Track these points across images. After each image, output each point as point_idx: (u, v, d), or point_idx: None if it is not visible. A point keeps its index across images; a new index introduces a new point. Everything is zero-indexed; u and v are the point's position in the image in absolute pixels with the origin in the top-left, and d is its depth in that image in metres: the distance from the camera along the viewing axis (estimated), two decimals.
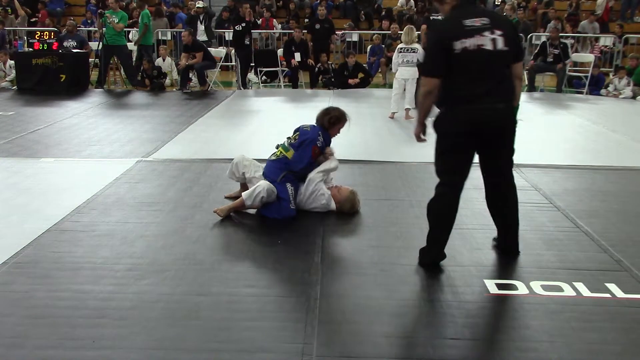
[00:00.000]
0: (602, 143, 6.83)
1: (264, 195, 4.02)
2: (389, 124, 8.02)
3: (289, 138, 4.37)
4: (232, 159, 4.56)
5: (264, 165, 4.40)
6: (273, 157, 4.34)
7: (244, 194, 4.09)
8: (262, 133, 7.28)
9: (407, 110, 8.28)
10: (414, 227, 4.01)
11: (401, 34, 8.75)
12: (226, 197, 4.58)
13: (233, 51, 11.70)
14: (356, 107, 9.15)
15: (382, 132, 7.47)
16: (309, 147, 4.21)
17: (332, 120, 4.34)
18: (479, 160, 3.37)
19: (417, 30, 8.64)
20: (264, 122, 8.04)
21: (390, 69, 9.52)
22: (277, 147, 4.40)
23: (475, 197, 4.70)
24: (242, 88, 11.37)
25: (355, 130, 7.49)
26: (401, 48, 8.25)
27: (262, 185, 4.05)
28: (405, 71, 8.25)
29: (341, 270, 3.34)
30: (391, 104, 8.41)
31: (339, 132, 4.44)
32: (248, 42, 11.45)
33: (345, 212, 4.24)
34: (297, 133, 4.33)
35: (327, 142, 4.37)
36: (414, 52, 8.16)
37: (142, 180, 5.10)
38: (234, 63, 13.65)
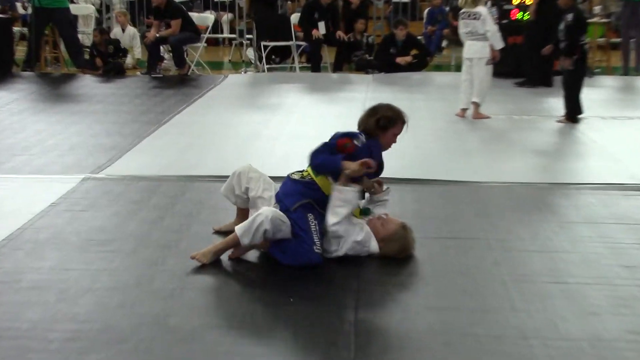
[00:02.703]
0: None
1: (268, 228, 4.00)
2: (457, 126, 7.98)
3: None
4: (228, 176, 4.58)
5: (280, 184, 4.41)
6: (296, 176, 4.35)
7: (239, 228, 4.07)
8: (268, 139, 7.32)
9: (475, 105, 8.30)
10: (494, 279, 3.98)
11: None
12: (215, 232, 4.59)
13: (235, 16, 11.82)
14: (408, 100, 9.01)
15: (445, 138, 7.45)
16: (334, 140, 4.23)
17: (381, 123, 4.33)
18: None
19: None
20: (270, 122, 8.07)
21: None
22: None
23: (588, 235, 4.67)
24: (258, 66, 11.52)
25: (407, 135, 7.50)
26: (461, 12, 8.41)
27: (264, 214, 4.02)
28: (468, 46, 8.33)
29: (385, 344, 3.32)
30: (460, 95, 8.44)
31: (394, 141, 4.44)
32: None
33: (392, 255, 4.23)
34: None
35: (377, 156, 4.35)
36: (475, 18, 8.21)
37: (90, 206, 5.12)
38: (227, 35, 13.74)
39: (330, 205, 4.14)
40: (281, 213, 4.09)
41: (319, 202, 4.21)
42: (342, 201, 4.12)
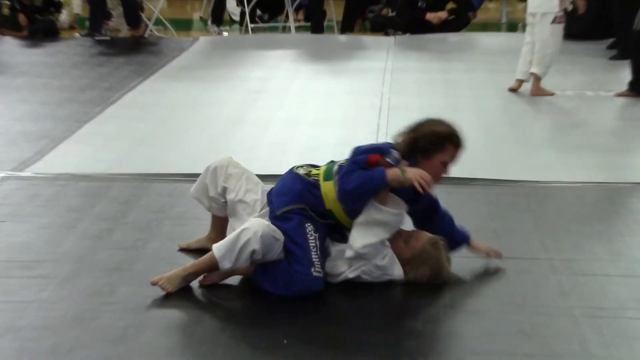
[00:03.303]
0: None
1: (257, 249, 3.99)
2: (509, 106, 8.04)
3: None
4: (199, 174, 4.56)
5: (269, 185, 4.42)
6: (302, 171, 4.34)
7: (218, 248, 4.06)
8: (254, 124, 7.35)
9: (534, 77, 8.35)
10: (561, 313, 3.97)
11: None
12: (182, 250, 4.60)
13: None
14: (442, 71, 9.10)
15: (493, 123, 7.48)
16: (363, 155, 4.15)
17: (421, 144, 4.22)
18: None
19: None
20: (256, 102, 8.13)
21: None
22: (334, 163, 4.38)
23: None
24: (217, 29, 11.51)
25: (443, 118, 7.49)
26: None
27: (251, 229, 4.01)
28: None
29: None
30: (518, 61, 8.48)
31: (444, 172, 4.30)
32: None
33: (421, 282, 4.22)
34: None
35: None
36: None
37: (11, 216, 5.14)
38: None
39: (362, 222, 4.13)
40: (274, 227, 4.08)
41: (318, 212, 4.20)
42: (381, 223, 4.13)
